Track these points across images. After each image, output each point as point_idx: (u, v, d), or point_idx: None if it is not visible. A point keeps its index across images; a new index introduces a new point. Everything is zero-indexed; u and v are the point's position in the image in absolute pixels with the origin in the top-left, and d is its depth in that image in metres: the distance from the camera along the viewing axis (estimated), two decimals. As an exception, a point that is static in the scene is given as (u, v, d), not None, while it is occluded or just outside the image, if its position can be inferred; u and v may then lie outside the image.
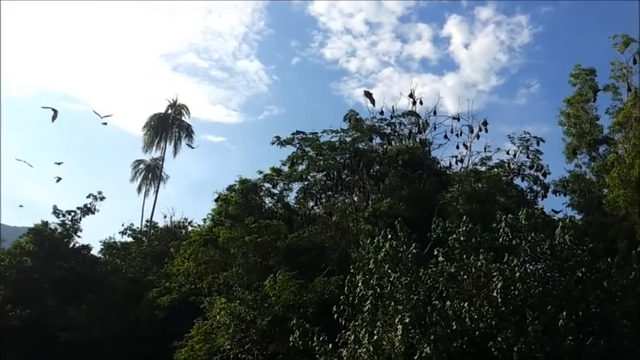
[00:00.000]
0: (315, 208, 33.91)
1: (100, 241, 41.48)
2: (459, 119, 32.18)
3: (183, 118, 60.88)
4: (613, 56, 30.34)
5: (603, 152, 30.76)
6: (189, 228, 43.25)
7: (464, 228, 14.58)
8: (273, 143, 32.42)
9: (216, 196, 33.03)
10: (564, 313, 12.71)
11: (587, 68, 31.23)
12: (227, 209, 30.49)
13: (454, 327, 12.93)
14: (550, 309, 13.15)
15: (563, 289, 13.64)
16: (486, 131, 31.79)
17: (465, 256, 14.40)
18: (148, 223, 51.10)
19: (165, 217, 46.99)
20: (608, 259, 14.87)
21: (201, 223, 38.03)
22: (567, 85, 32.00)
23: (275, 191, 33.93)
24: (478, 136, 31.90)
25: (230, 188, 32.31)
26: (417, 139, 32.85)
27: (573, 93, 31.48)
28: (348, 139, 32.05)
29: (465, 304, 13.15)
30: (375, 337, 13.37)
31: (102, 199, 36.96)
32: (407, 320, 12.96)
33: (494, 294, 13.24)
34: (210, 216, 35.11)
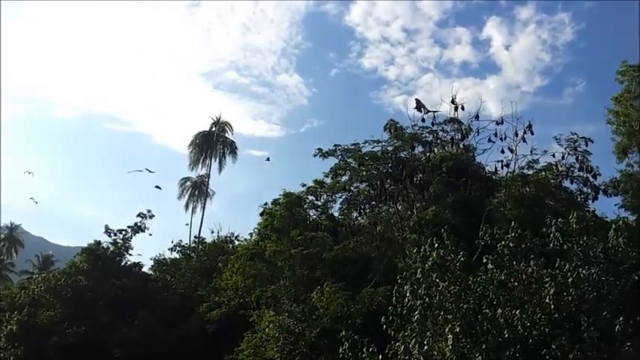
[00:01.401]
0: (359, 218, 33.88)
1: (151, 258, 42.60)
2: (502, 123, 31.63)
3: (226, 135, 62.13)
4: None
5: (656, 150, 29.70)
6: (236, 242, 43.85)
7: (513, 234, 14.31)
8: (315, 155, 32.66)
9: (261, 210, 33.45)
10: (621, 319, 12.26)
11: (635, 64, 30.27)
12: (272, 223, 30.81)
13: (506, 335, 12.66)
14: (606, 314, 12.73)
15: (619, 294, 13.20)
16: (532, 133, 31.09)
17: (514, 263, 14.11)
18: (196, 239, 52.14)
19: (212, 232, 47.83)
20: (666, 261, 14.29)
21: (248, 237, 38.54)
22: (614, 83, 31.09)
23: (319, 203, 34.10)
24: (524, 139, 31.26)
25: (275, 202, 32.65)
26: (461, 145, 32.45)
27: (621, 90, 30.59)
28: (390, 149, 31.95)
29: (517, 312, 12.86)
30: (426, 348, 13.22)
31: (151, 217, 38.04)
32: (457, 329, 12.76)
33: (547, 300, 12.90)
34: (256, 230, 35.53)
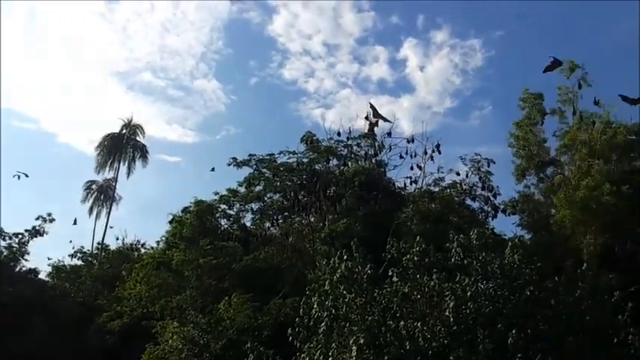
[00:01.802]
0: (271, 229, 33.75)
1: (49, 265, 40.10)
2: (413, 141, 32.86)
3: (137, 138, 59.86)
4: (560, 81, 31.66)
5: (550, 174, 31.89)
6: (142, 250, 42.26)
7: (417, 248, 14.77)
8: (229, 164, 32.28)
9: (170, 217, 32.52)
10: (514, 331, 12.97)
11: (536, 92, 32.43)
12: (182, 231, 30.02)
13: (408, 347, 13.01)
14: (500, 327, 13.40)
15: (512, 308, 13.94)
16: (439, 152, 32.58)
17: (418, 276, 14.55)
18: (99, 246, 49.70)
19: (117, 239, 45.82)
20: (556, 278, 15.32)
21: (155, 245, 37.28)
22: (517, 109, 33.14)
23: (231, 212, 33.62)
24: (432, 158, 32.68)
25: (185, 210, 31.86)
26: (374, 161, 33.32)
27: (522, 116, 32.60)
28: (305, 161, 32.21)
29: (419, 324, 13.26)
30: (330, 359, 13.32)
31: (51, 221, 35.79)
32: (361, 341, 12.96)
33: (447, 313, 13.39)
34: (164, 238, 34.47)
